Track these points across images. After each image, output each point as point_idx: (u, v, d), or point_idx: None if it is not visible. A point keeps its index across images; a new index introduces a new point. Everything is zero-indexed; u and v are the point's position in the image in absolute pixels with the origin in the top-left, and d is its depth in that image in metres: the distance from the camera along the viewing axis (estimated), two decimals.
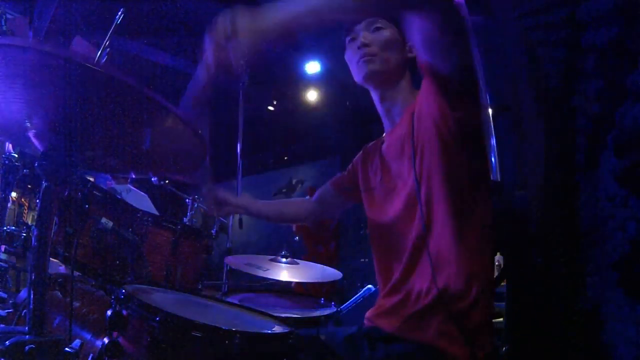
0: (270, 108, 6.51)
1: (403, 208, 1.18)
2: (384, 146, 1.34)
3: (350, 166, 1.53)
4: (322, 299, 1.87)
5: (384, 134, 1.38)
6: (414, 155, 1.14)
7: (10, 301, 1.60)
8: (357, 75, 1.27)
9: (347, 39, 1.31)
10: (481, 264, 1.09)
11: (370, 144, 1.47)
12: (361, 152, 1.49)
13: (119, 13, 1.90)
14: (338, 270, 1.99)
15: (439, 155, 1.10)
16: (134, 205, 1.66)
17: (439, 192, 1.10)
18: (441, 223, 1.09)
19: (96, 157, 1.08)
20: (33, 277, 0.88)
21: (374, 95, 1.33)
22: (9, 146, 1.73)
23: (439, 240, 1.09)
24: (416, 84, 1.30)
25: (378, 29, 1.25)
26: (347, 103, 5.52)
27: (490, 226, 1.13)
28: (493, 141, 1.96)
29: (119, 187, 3.50)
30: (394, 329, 1.10)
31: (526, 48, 1.51)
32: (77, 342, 1.03)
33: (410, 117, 1.19)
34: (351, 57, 1.28)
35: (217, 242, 2.21)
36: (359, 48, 1.24)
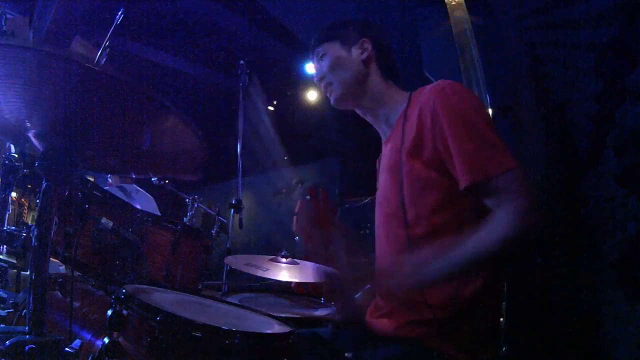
0: (270, 108, 6.51)
1: (387, 222, 1.19)
2: (382, 157, 1.33)
3: None
4: (322, 299, 1.86)
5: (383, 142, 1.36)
6: (401, 168, 1.12)
7: (10, 301, 1.60)
8: (332, 105, 1.31)
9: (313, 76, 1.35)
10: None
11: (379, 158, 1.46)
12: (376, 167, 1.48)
13: (119, 13, 1.90)
14: (338, 270, 1.99)
15: (427, 176, 1.08)
16: (140, 206, 1.66)
17: (426, 213, 1.08)
18: (430, 238, 1.06)
19: (96, 157, 1.08)
20: (33, 277, 0.88)
21: (358, 112, 1.33)
22: (9, 146, 1.73)
23: (424, 245, 1.07)
24: (390, 76, 1.28)
25: (322, 57, 1.29)
26: None
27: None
28: None
29: (128, 187, 3.49)
30: (395, 330, 1.09)
31: (526, 48, 1.51)
32: (77, 342, 1.03)
33: (401, 126, 1.16)
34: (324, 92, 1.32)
35: (217, 242, 2.21)
36: (319, 84, 1.30)
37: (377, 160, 1.46)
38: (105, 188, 1.81)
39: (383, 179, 1.25)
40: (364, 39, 1.28)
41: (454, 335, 1.03)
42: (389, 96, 1.26)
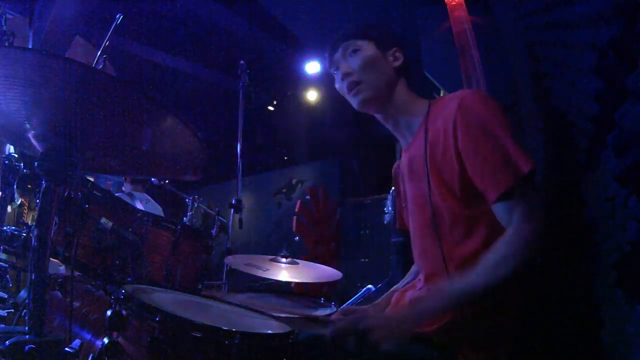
0: (270, 108, 6.52)
1: (422, 231, 1.20)
2: (402, 165, 1.33)
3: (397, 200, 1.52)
4: (322, 299, 1.87)
5: (401, 150, 1.36)
6: (428, 180, 1.12)
7: (11, 301, 1.60)
8: (352, 104, 1.26)
9: (331, 70, 1.30)
10: None
11: (395, 164, 1.45)
12: (393, 173, 1.48)
13: (118, 16, 1.90)
14: (338, 270, 1.99)
15: (453, 182, 1.08)
16: None
17: (455, 216, 1.09)
18: (459, 241, 1.09)
19: (96, 157, 1.08)
20: (33, 277, 0.88)
21: (377, 117, 1.31)
22: (9, 147, 1.73)
23: (459, 254, 1.09)
24: (415, 89, 1.27)
25: (354, 52, 1.23)
26: (349, 102, 5.53)
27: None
28: None
29: (137, 195, 3.49)
30: None
31: (526, 48, 1.51)
32: (77, 342, 1.03)
33: (422, 139, 1.16)
34: (340, 88, 1.27)
35: (217, 242, 2.20)
36: (342, 79, 1.23)
37: (395, 167, 1.46)
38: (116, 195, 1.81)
39: (412, 189, 1.25)
40: (396, 47, 1.26)
41: (466, 335, 1.04)
42: (412, 105, 1.25)
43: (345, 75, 1.22)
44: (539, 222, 0.99)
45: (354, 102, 1.24)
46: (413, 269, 1.43)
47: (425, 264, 1.21)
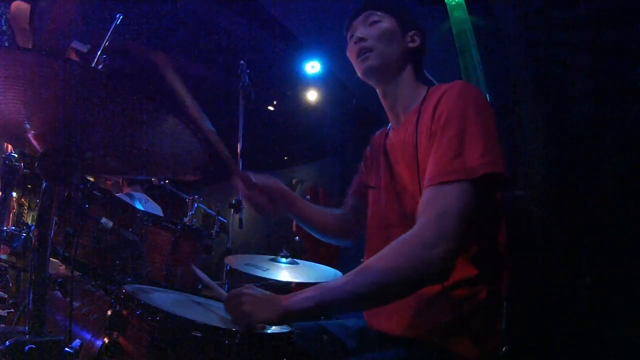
0: (270, 108, 6.51)
1: (406, 216, 1.14)
2: (388, 142, 1.30)
3: (361, 164, 1.48)
4: None
5: (389, 126, 1.34)
6: (417, 166, 1.09)
7: (10, 301, 1.60)
8: (358, 71, 1.26)
9: (348, 34, 1.30)
10: (490, 266, 1.06)
11: (377, 133, 1.42)
12: (368, 146, 1.44)
13: (118, 15, 1.90)
14: (338, 270, 1.99)
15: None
16: None
17: None
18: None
19: (96, 157, 1.08)
20: (33, 277, 0.88)
21: (377, 90, 1.30)
22: (8, 146, 1.73)
23: None
24: (420, 76, 1.28)
25: (374, 22, 1.23)
26: (349, 102, 5.53)
27: (499, 228, 1.10)
28: None
29: (137, 195, 3.49)
30: (400, 330, 1.09)
31: (526, 48, 1.51)
32: (77, 342, 1.03)
33: (414, 123, 1.14)
34: (351, 52, 1.27)
35: (217, 242, 2.20)
36: (355, 43, 1.23)
37: (376, 135, 1.42)
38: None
39: (397, 171, 1.21)
40: (416, 31, 1.27)
41: (458, 335, 1.03)
42: (414, 89, 1.25)
43: (360, 40, 1.22)
44: (455, 242, 0.88)
45: (360, 67, 1.23)
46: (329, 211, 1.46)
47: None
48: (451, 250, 0.87)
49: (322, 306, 0.90)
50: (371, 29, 1.23)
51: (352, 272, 0.91)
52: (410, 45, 1.25)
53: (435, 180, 0.94)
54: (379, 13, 1.25)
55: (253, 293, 0.93)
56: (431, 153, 1.00)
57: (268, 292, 0.94)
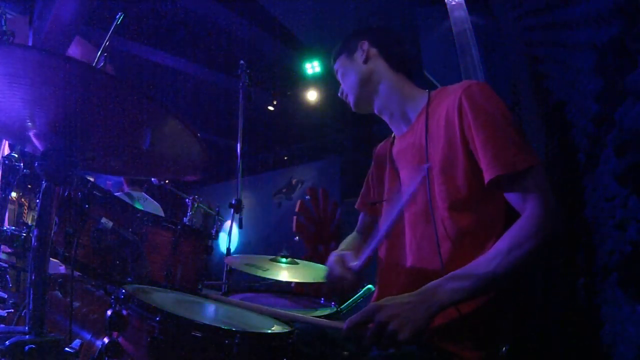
0: (270, 108, 6.52)
1: (415, 222, 1.17)
2: (394, 149, 1.33)
3: (366, 179, 1.52)
4: (322, 299, 1.86)
5: (394, 135, 1.37)
6: (427, 170, 1.12)
7: (11, 301, 1.60)
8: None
9: None
10: None
11: (379, 146, 1.46)
12: (373, 160, 1.48)
13: (119, 15, 1.90)
14: None
15: (454, 173, 1.08)
16: None
17: (452, 210, 1.08)
18: (455, 238, 1.07)
19: (96, 157, 1.08)
20: (33, 277, 0.88)
21: (376, 113, 1.37)
22: (5, 145, 1.73)
23: (454, 252, 1.08)
24: (394, 65, 1.31)
25: (341, 75, 1.39)
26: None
27: (503, 228, 1.11)
28: None
29: (135, 194, 3.49)
30: None
31: (526, 48, 1.51)
32: (77, 342, 1.03)
33: (423, 124, 1.17)
34: None
35: (217, 242, 2.21)
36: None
37: (378, 148, 1.46)
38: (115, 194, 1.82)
39: (408, 176, 1.25)
40: (362, 41, 1.34)
41: (458, 335, 1.03)
42: (404, 90, 1.29)
43: (341, 94, 1.41)
44: (554, 207, 0.97)
45: (352, 109, 1.40)
46: (348, 239, 1.53)
47: (417, 251, 1.18)
48: (562, 215, 0.99)
49: (469, 297, 0.95)
50: (342, 82, 1.39)
51: (482, 258, 0.96)
52: (362, 57, 1.33)
53: (510, 169, 0.98)
54: (336, 65, 1.41)
55: (386, 304, 0.94)
56: (481, 149, 1.03)
57: (397, 297, 0.96)
